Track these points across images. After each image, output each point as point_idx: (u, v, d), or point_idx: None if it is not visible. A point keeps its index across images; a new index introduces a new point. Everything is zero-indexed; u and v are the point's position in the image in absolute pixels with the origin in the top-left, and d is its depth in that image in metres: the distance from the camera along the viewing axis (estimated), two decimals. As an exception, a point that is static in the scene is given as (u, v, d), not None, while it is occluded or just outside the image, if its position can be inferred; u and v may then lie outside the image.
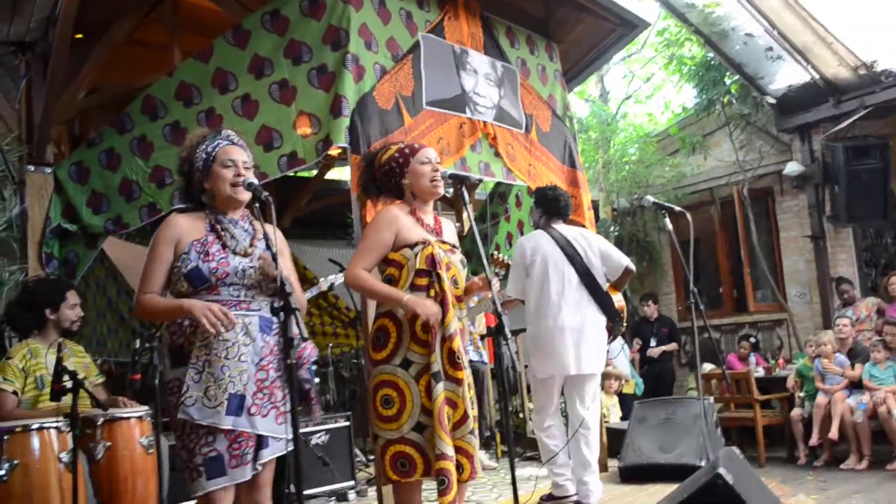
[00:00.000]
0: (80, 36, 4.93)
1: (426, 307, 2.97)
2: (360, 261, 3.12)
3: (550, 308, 4.37)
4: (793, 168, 8.91)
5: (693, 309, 4.21)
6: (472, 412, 3.06)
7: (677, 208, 4.44)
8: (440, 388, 2.98)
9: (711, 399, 5.84)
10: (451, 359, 3.02)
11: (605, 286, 4.55)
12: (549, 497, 4.55)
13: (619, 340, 8.72)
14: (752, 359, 8.57)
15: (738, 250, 9.90)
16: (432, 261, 3.07)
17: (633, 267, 4.65)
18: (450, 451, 2.93)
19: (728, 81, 9.35)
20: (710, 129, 9.99)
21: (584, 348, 4.33)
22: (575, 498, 4.49)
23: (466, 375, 3.08)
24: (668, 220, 4.37)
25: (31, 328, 3.96)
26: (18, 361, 3.76)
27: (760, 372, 7.88)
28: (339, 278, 5.16)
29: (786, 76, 8.32)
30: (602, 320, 4.46)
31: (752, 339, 8.93)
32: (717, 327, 9.78)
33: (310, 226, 8.72)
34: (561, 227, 4.60)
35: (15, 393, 3.70)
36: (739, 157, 9.47)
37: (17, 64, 5.12)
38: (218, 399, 2.54)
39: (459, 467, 3.01)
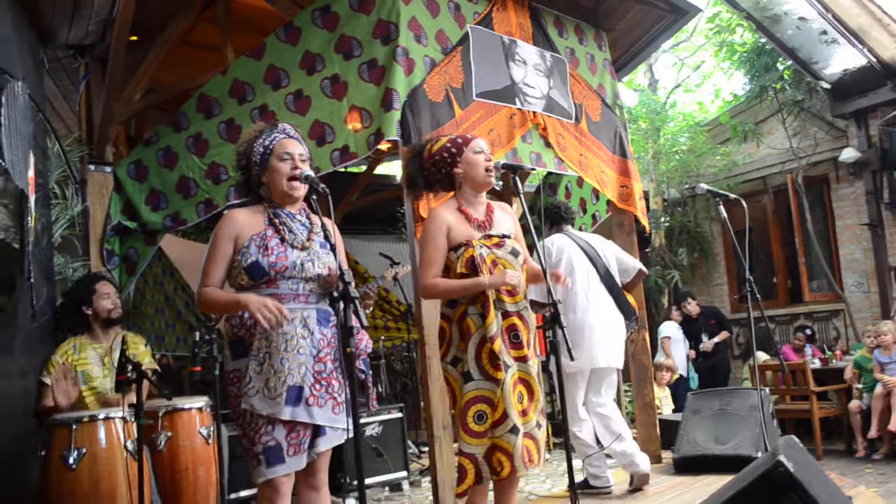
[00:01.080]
0: (135, 38, 5.04)
1: (510, 277, 3.01)
2: (427, 272, 3.14)
3: (578, 304, 4.56)
4: (849, 154, 8.71)
5: (749, 298, 4.16)
6: (516, 409, 3.05)
7: (732, 195, 4.39)
8: (468, 388, 3.04)
9: (767, 390, 5.74)
10: (492, 360, 3.03)
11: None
12: (585, 484, 4.60)
13: (681, 333, 8.66)
14: (808, 350, 8.42)
15: (793, 240, 9.70)
16: (472, 264, 3.07)
17: (645, 270, 4.99)
18: (469, 448, 3.02)
19: (781, 67, 9.16)
20: (763, 116, 9.82)
21: (611, 343, 4.57)
22: (613, 489, 4.58)
23: (511, 374, 3.06)
24: (722, 208, 4.32)
25: (77, 328, 4.09)
26: (59, 357, 3.89)
27: (816, 363, 7.73)
28: (403, 269, 5.20)
29: (841, 60, 8.12)
30: (621, 319, 4.69)
31: (808, 331, 8.77)
32: (772, 318, 9.60)
33: (360, 221, 8.81)
34: (574, 231, 4.90)
35: None
36: (793, 144, 9.29)
37: (76, 67, 5.26)
38: (278, 390, 2.60)
39: (499, 465, 3.03)
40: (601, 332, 4.52)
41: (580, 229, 6.43)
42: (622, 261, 4.90)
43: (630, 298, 4.87)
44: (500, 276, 3.02)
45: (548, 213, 4.84)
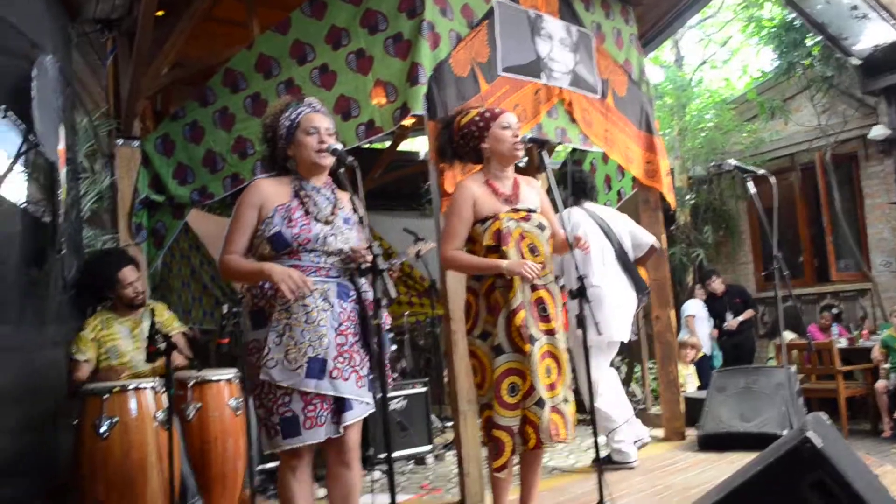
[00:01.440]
0: (161, 13, 5.04)
1: (527, 270, 3.00)
2: (450, 242, 3.17)
3: (595, 279, 4.57)
4: (878, 132, 8.57)
5: (777, 275, 4.14)
6: (544, 383, 3.07)
7: (761, 171, 4.35)
8: (500, 361, 3.06)
9: (794, 368, 5.71)
10: (518, 332, 3.05)
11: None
12: (608, 460, 4.63)
13: (705, 312, 8.62)
14: (835, 329, 8.35)
15: (820, 218, 9.60)
16: (499, 236, 3.08)
17: (658, 244, 5.04)
18: (505, 421, 3.03)
19: (809, 43, 9.03)
20: (791, 93, 9.68)
21: (622, 317, 4.68)
22: (636, 463, 4.63)
23: (539, 347, 3.07)
24: (751, 185, 4.27)
25: (96, 304, 4.09)
26: (90, 332, 3.91)
27: (843, 343, 7.67)
28: (427, 245, 5.22)
29: (871, 35, 7.98)
30: (633, 294, 4.78)
31: (835, 310, 8.69)
32: (798, 297, 9.52)
33: (384, 197, 8.80)
34: (591, 205, 4.93)
35: (87, 362, 3.86)
36: (821, 121, 9.16)
37: (103, 41, 5.28)
38: (298, 362, 2.60)
39: (526, 437, 3.05)
40: (615, 306, 4.62)
41: (605, 206, 6.41)
42: (636, 235, 4.95)
43: (642, 272, 4.95)
44: (519, 265, 3.01)
45: (571, 182, 4.81)
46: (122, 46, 5.18)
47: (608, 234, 4.76)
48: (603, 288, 4.58)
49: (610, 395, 4.70)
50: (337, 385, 2.65)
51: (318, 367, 2.62)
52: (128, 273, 4.04)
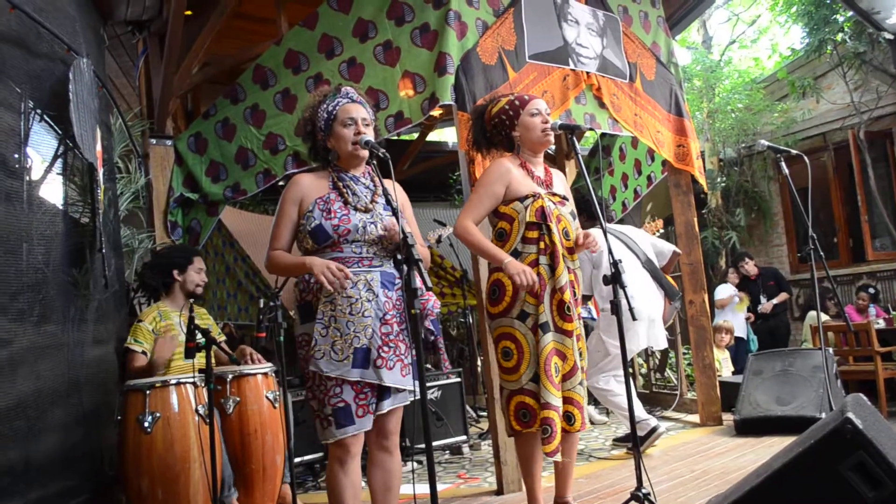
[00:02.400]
0: (189, 13, 5.10)
1: (523, 276, 2.99)
2: (470, 212, 3.18)
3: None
4: (914, 107, 8.42)
5: (812, 256, 4.10)
6: (582, 363, 3.08)
7: (794, 151, 4.31)
8: (548, 339, 3.04)
9: (831, 350, 5.65)
10: (561, 310, 3.05)
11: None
12: (627, 438, 4.89)
13: (735, 294, 8.55)
14: (872, 310, 8.22)
15: (855, 197, 9.45)
16: (542, 213, 3.09)
17: (679, 251, 5.27)
18: (555, 401, 2.99)
19: (840, 19, 8.87)
20: (822, 70, 9.53)
21: (655, 324, 4.88)
22: (654, 424, 4.75)
23: (577, 327, 3.10)
24: (783, 165, 4.23)
25: (160, 290, 4.18)
26: (149, 324, 3.98)
27: (881, 324, 7.55)
28: (447, 230, 5.26)
29: (905, 9, 7.82)
30: (661, 300, 4.96)
31: (871, 290, 8.55)
32: (833, 278, 9.37)
33: (413, 188, 8.74)
34: (608, 225, 5.14)
35: (144, 353, 3.94)
36: (854, 98, 9.01)
37: (134, 43, 5.36)
38: (345, 353, 2.65)
39: (570, 418, 3.05)
40: (646, 317, 4.80)
41: (635, 191, 6.38)
42: (656, 245, 5.16)
43: (670, 280, 5.11)
44: (520, 272, 3.00)
45: (584, 206, 4.79)
46: (153, 47, 5.26)
47: (630, 246, 4.95)
48: (637, 300, 4.56)
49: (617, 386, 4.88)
50: (381, 374, 2.68)
51: (362, 357, 2.66)
52: (199, 260, 4.20)
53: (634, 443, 3.07)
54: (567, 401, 3.06)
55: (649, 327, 4.82)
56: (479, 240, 3.16)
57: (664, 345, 5.02)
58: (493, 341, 3.22)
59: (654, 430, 4.70)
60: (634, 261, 4.88)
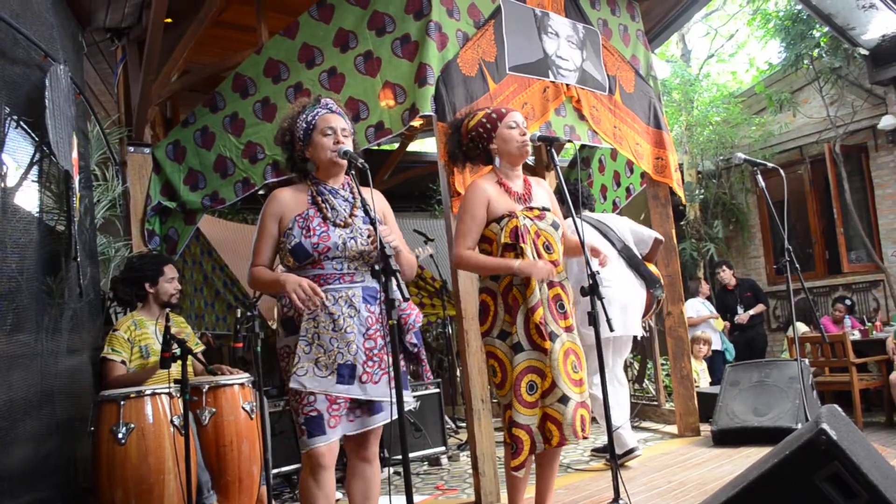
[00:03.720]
0: (169, 20, 5.08)
1: (538, 270, 3.01)
2: (462, 242, 3.18)
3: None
4: (888, 122, 8.53)
5: (787, 268, 4.13)
6: (572, 378, 3.08)
7: (770, 164, 4.35)
8: (520, 359, 3.06)
9: (807, 361, 5.70)
10: (538, 330, 3.05)
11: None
12: (604, 449, 4.82)
13: (706, 309, 8.58)
14: (848, 321, 8.30)
15: (831, 210, 9.56)
16: (516, 234, 3.09)
17: (661, 238, 5.10)
18: (524, 420, 3.03)
19: (817, 34, 8.98)
20: (799, 85, 9.64)
21: (630, 311, 4.77)
22: (640, 450, 4.74)
23: (560, 343, 3.09)
24: (760, 177, 4.27)
25: (133, 301, 4.16)
26: (124, 332, 3.96)
27: (856, 335, 7.63)
28: (427, 250, 5.26)
29: (879, 25, 7.92)
30: (641, 290, 4.86)
31: (847, 302, 8.64)
32: (810, 290, 9.46)
33: (393, 198, 8.74)
34: (587, 214, 5.03)
35: (123, 363, 3.90)
36: (830, 112, 9.12)
37: (113, 50, 5.32)
38: (329, 369, 2.65)
39: (549, 434, 3.05)
40: (622, 304, 4.70)
41: (614, 203, 6.41)
42: (637, 232, 5.05)
43: (652, 268, 5.00)
44: (531, 265, 3.02)
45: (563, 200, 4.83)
46: (132, 54, 5.23)
47: (606, 234, 4.87)
48: (611, 288, 4.60)
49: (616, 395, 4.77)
50: (366, 389, 2.69)
51: (347, 373, 2.67)
52: (171, 269, 4.17)
53: (612, 454, 3.07)
54: (547, 417, 3.06)
55: (622, 313, 4.70)
56: (481, 261, 3.17)
57: (638, 332, 4.87)
58: (485, 359, 3.26)
59: (631, 451, 4.69)
60: (610, 249, 4.80)
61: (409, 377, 2.85)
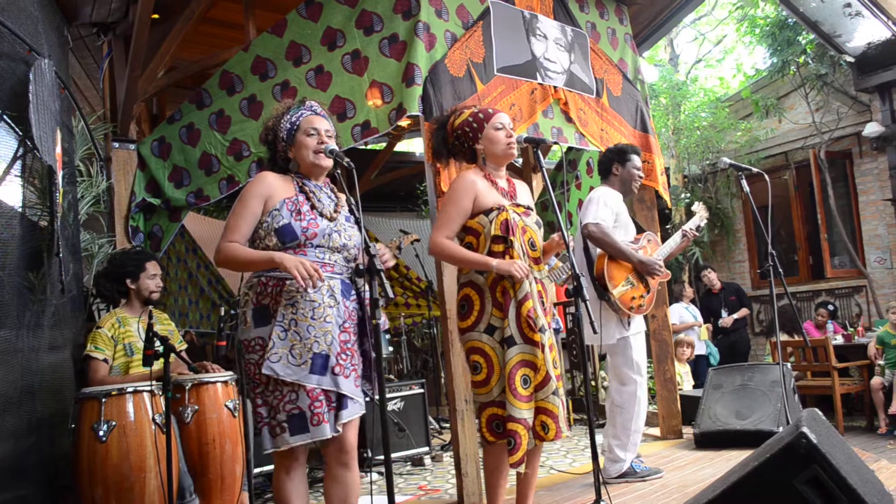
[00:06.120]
0: (156, 16, 5.05)
1: (518, 269, 2.99)
2: (442, 229, 3.16)
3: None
4: (873, 129, 8.61)
5: (771, 272, 4.16)
6: (556, 372, 3.08)
7: (755, 169, 4.38)
8: (513, 352, 3.03)
9: (789, 365, 5.73)
10: (529, 323, 3.05)
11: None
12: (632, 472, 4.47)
13: (689, 314, 8.61)
14: (830, 326, 8.37)
15: (815, 216, 9.64)
16: (507, 226, 3.09)
17: (592, 228, 4.29)
18: (520, 413, 2.99)
19: (803, 41, 9.07)
20: (785, 91, 9.73)
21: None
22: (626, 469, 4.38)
23: (547, 337, 3.10)
24: (744, 182, 4.30)
25: (116, 297, 4.12)
26: (108, 330, 3.92)
27: (839, 340, 7.69)
28: (407, 238, 5.23)
29: (865, 33, 8.01)
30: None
31: (830, 307, 8.71)
32: (793, 294, 9.55)
33: (380, 198, 8.82)
34: None
35: (105, 361, 3.87)
36: (816, 119, 9.20)
37: (99, 45, 5.29)
38: (303, 357, 2.62)
39: (545, 428, 3.05)
40: None
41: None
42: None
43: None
44: (510, 264, 3.01)
45: (602, 161, 4.55)
46: (118, 50, 5.20)
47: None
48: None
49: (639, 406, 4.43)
50: (338, 382, 2.67)
51: (321, 363, 2.64)
52: (153, 265, 4.12)
53: (594, 454, 3.08)
54: (541, 411, 3.06)
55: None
56: (456, 251, 3.15)
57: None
58: (464, 355, 3.20)
59: (624, 475, 4.36)
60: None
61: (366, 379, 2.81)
